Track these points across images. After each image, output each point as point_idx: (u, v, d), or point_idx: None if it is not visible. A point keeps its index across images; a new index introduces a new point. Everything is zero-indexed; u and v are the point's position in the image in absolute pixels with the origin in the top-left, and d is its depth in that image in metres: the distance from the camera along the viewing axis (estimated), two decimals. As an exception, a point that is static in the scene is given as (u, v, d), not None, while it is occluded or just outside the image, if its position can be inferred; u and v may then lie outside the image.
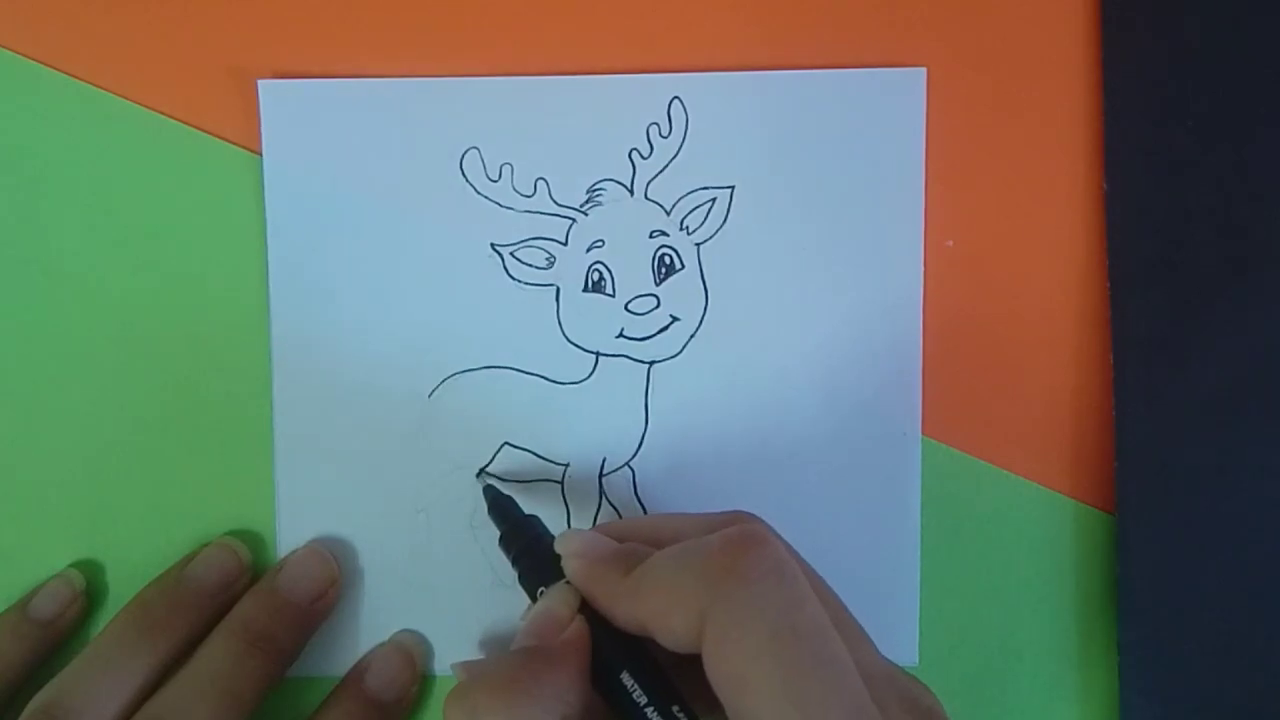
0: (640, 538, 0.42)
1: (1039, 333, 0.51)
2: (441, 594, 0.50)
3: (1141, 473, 0.50)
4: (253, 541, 0.51)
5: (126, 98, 0.50)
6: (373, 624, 0.51)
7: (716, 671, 0.34)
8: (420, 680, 0.50)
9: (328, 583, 0.49)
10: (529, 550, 0.45)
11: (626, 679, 0.38)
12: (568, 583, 0.41)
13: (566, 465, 0.50)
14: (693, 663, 0.36)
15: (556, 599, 0.41)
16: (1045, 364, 0.51)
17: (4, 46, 0.50)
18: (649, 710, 0.37)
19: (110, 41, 0.50)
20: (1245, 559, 0.50)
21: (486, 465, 0.50)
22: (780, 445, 0.50)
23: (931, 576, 0.51)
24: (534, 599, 0.43)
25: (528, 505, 0.47)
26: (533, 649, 0.39)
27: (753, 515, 0.41)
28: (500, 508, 0.47)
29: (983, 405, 0.51)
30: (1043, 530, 0.51)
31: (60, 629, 0.50)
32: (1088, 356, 0.51)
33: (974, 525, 0.51)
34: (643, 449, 0.50)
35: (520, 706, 0.36)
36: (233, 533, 0.51)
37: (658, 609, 0.37)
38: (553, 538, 0.43)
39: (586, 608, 0.40)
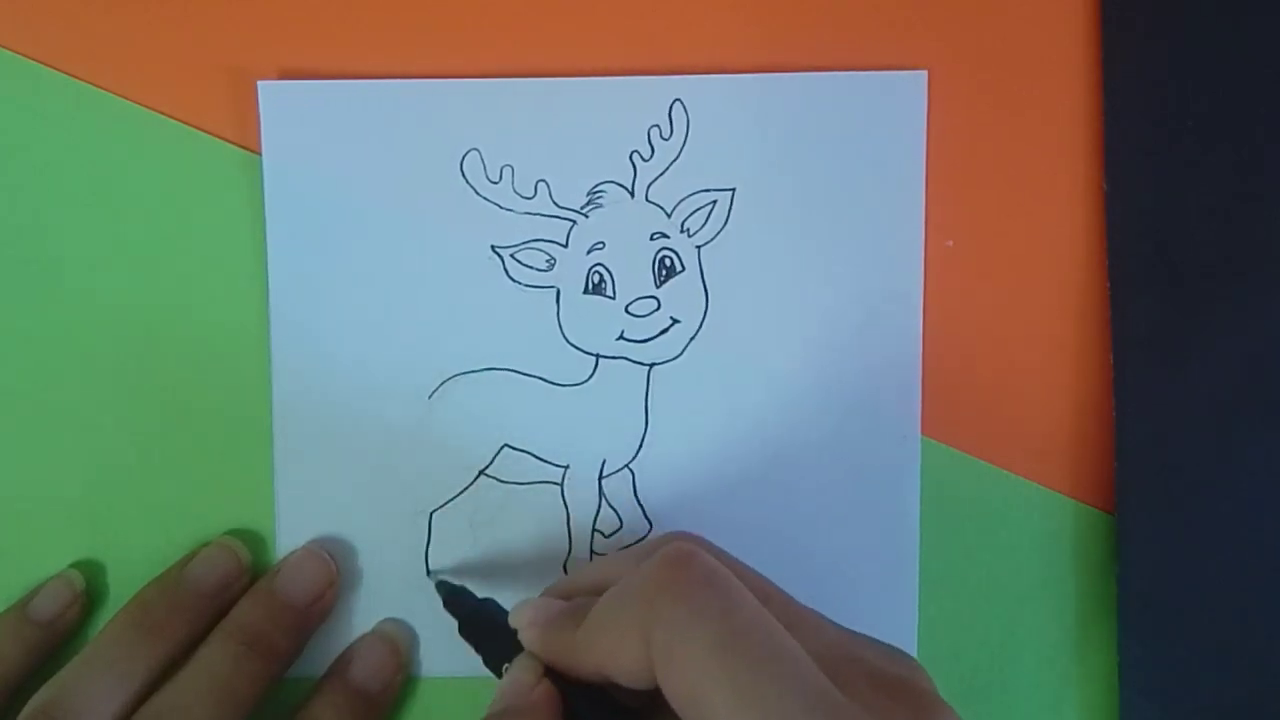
0: (587, 588, 0.42)
1: (1039, 333, 0.51)
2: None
3: (1141, 473, 0.50)
4: (252, 541, 0.51)
5: (126, 98, 0.50)
6: (372, 625, 0.51)
7: (673, 695, 0.34)
8: (405, 669, 0.51)
9: (325, 584, 0.49)
10: (488, 633, 0.45)
11: None
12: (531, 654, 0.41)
13: (566, 467, 0.50)
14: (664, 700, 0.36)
15: (520, 668, 0.41)
16: (1045, 364, 0.51)
17: (4, 46, 0.50)
18: None
19: (110, 41, 0.50)
20: (1245, 559, 0.50)
21: (486, 467, 0.50)
22: (780, 446, 0.50)
23: (931, 576, 0.51)
24: (499, 672, 0.43)
25: (527, 507, 0.47)
26: (501, 712, 0.39)
27: (684, 534, 0.42)
28: (455, 600, 0.47)
29: (983, 405, 0.51)
30: (1043, 530, 0.51)
31: (60, 630, 0.50)
32: (1088, 356, 0.51)
33: (974, 525, 0.51)
34: (643, 451, 0.50)
35: None
36: (232, 532, 0.51)
37: (608, 653, 0.37)
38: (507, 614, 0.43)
39: (553, 673, 0.40)
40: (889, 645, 0.39)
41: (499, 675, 0.43)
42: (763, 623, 0.35)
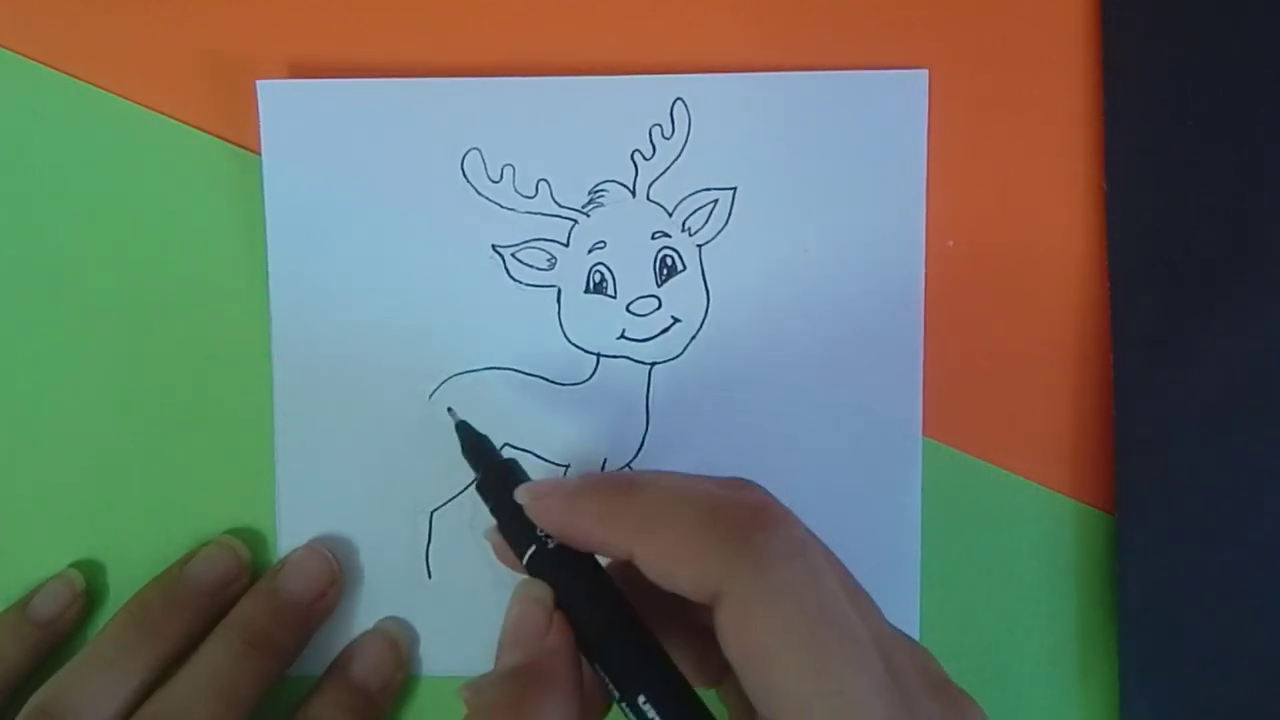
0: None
1: (1039, 333, 0.51)
2: (441, 594, 0.50)
3: (1141, 473, 0.50)
4: (253, 540, 0.51)
5: (126, 98, 0.50)
6: (372, 623, 0.51)
7: (738, 643, 0.35)
8: (405, 668, 0.50)
9: (327, 582, 0.49)
10: (506, 494, 0.43)
11: (597, 669, 0.39)
12: (535, 579, 0.41)
13: (567, 466, 0.50)
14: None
15: (528, 600, 0.40)
16: (1045, 364, 0.51)
17: (4, 46, 0.50)
18: (621, 705, 0.38)
19: (110, 41, 0.50)
20: (1245, 559, 0.50)
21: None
22: (781, 446, 0.50)
23: (931, 576, 0.51)
24: (519, 553, 0.42)
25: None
26: (521, 670, 0.39)
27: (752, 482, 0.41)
28: (477, 451, 0.46)
29: (983, 405, 0.51)
30: (1043, 530, 0.51)
31: (60, 629, 0.50)
32: (1088, 356, 0.51)
33: (974, 525, 0.51)
34: (644, 450, 0.50)
35: None
36: (233, 531, 0.51)
37: (662, 550, 0.37)
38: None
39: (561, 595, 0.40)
40: (916, 642, 0.39)
41: (512, 542, 0.43)
42: (841, 603, 0.36)
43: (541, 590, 0.40)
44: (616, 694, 0.38)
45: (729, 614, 0.35)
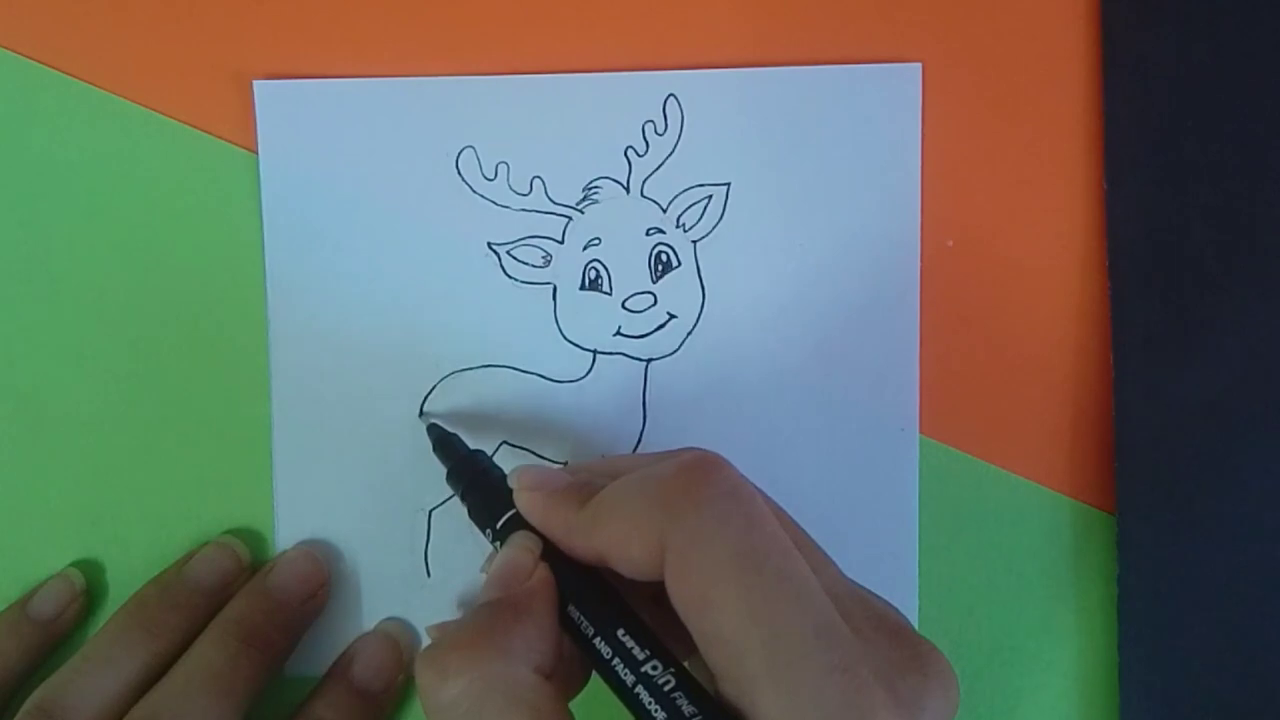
0: (596, 474, 0.42)
1: (1039, 332, 0.51)
2: (440, 594, 0.50)
3: (1141, 473, 0.50)
4: (252, 541, 0.51)
5: (126, 98, 0.50)
6: (372, 624, 0.51)
7: (679, 595, 0.35)
8: (406, 669, 0.50)
9: (318, 584, 0.49)
10: (478, 485, 0.45)
11: (573, 612, 0.39)
12: (529, 530, 0.41)
13: (565, 464, 0.50)
14: (661, 594, 0.36)
15: (518, 547, 0.40)
16: (1045, 364, 0.51)
17: (4, 46, 0.50)
18: (597, 641, 0.38)
19: (110, 41, 0.50)
20: (1245, 559, 0.50)
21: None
22: (777, 443, 0.50)
23: (931, 576, 0.51)
24: (486, 534, 0.43)
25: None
26: (498, 601, 0.38)
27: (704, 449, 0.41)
28: (446, 444, 0.47)
29: (982, 405, 0.51)
30: (1043, 530, 0.51)
31: (60, 628, 0.50)
32: (1088, 356, 0.51)
33: (974, 525, 0.51)
34: (641, 446, 0.50)
35: (490, 663, 0.36)
36: (231, 532, 0.51)
37: (615, 538, 0.37)
38: (502, 472, 0.43)
39: (547, 551, 0.40)
40: (884, 599, 0.39)
41: (483, 528, 0.43)
42: (780, 544, 0.35)
43: (532, 541, 0.41)
44: (592, 630, 0.38)
45: (671, 569, 0.35)
